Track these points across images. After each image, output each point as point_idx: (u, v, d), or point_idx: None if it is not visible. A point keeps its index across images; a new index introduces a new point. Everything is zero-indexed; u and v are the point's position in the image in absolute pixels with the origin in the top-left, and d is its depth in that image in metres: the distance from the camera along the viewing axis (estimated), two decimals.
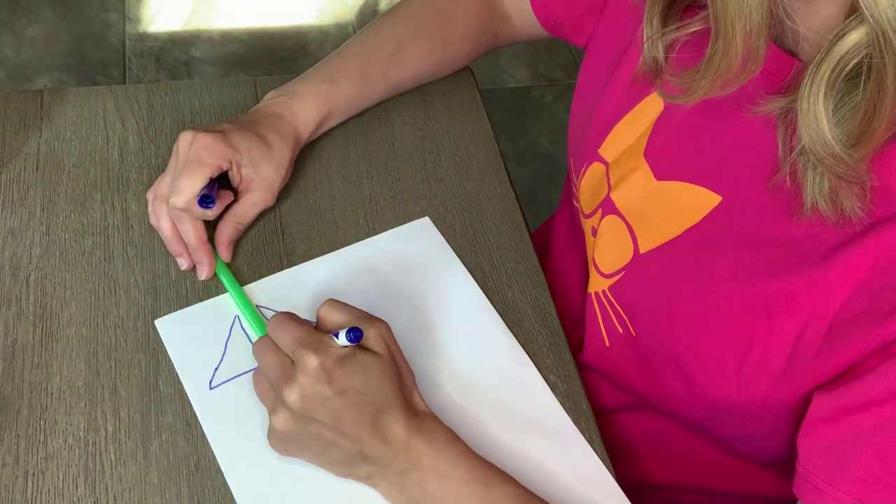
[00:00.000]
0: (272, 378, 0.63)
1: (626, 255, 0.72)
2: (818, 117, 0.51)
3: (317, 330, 0.64)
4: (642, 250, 0.70)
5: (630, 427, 0.79)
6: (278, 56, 2.15)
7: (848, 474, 0.55)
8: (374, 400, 0.62)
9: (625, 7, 0.75)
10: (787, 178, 0.58)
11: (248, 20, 2.21)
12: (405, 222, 0.82)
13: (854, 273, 0.56)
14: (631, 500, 0.67)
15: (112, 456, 0.66)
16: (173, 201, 0.72)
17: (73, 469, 0.65)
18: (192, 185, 0.72)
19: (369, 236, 0.81)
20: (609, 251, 0.74)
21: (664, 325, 0.68)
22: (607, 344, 0.75)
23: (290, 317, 0.64)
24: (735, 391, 0.64)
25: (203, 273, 0.75)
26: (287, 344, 0.63)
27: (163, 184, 0.76)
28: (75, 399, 0.69)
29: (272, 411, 0.64)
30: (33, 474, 0.65)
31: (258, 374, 0.65)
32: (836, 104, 0.51)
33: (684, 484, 0.79)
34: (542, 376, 0.73)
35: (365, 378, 0.62)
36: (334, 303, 0.66)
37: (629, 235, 0.72)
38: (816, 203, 0.56)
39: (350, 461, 0.63)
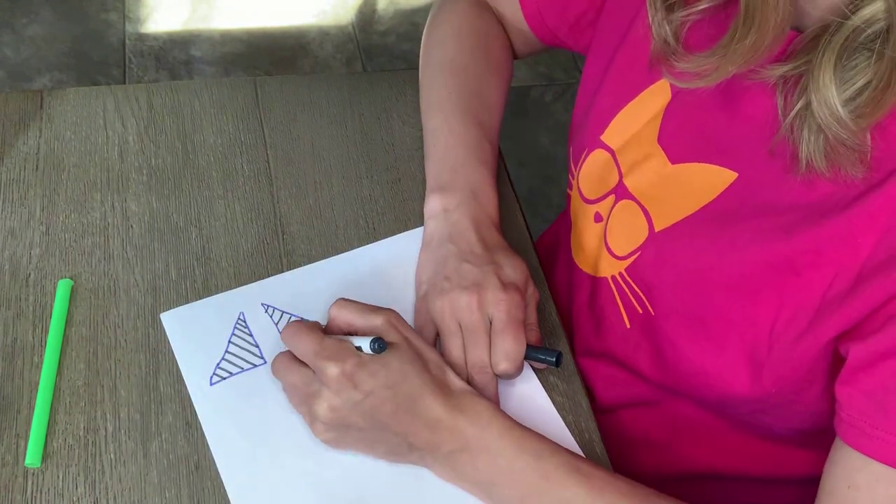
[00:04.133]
0: (299, 395, 0.65)
1: (641, 236, 0.72)
2: (827, 84, 0.54)
3: (329, 334, 0.65)
4: (657, 229, 0.71)
5: (640, 422, 0.79)
6: (278, 56, 2.15)
7: (895, 415, 0.56)
8: (404, 391, 0.63)
9: None
10: (790, 142, 0.60)
11: (248, 20, 2.21)
12: (405, 222, 0.82)
13: (876, 221, 0.57)
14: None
15: (112, 456, 0.66)
16: (504, 367, 0.68)
17: (73, 469, 0.65)
18: (522, 345, 0.69)
19: (369, 236, 0.81)
20: (622, 234, 0.74)
21: (689, 297, 0.68)
22: (628, 326, 0.75)
23: (303, 326, 0.66)
24: (766, 351, 0.64)
25: None
26: (304, 354, 0.64)
27: (455, 350, 0.69)
28: (75, 399, 0.69)
29: (309, 424, 0.66)
30: (33, 474, 0.65)
31: (289, 388, 0.67)
32: (846, 74, 0.54)
33: (700, 472, 0.79)
34: (542, 376, 0.73)
35: (388, 373, 0.63)
36: (344, 302, 0.67)
37: (643, 217, 0.72)
38: (812, 161, 0.58)
39: (397, 451, 0.65)
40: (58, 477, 0.65)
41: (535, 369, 0.73)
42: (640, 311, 0.73)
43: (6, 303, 0.73)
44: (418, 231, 0.80)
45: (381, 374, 0.63)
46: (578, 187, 0.80)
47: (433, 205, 0.77)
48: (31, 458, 0.65)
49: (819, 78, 0.54)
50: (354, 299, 0.68)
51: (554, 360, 0.70)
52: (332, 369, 0.62)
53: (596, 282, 0.78)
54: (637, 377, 0.76)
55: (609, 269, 0.76)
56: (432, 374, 0.65)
